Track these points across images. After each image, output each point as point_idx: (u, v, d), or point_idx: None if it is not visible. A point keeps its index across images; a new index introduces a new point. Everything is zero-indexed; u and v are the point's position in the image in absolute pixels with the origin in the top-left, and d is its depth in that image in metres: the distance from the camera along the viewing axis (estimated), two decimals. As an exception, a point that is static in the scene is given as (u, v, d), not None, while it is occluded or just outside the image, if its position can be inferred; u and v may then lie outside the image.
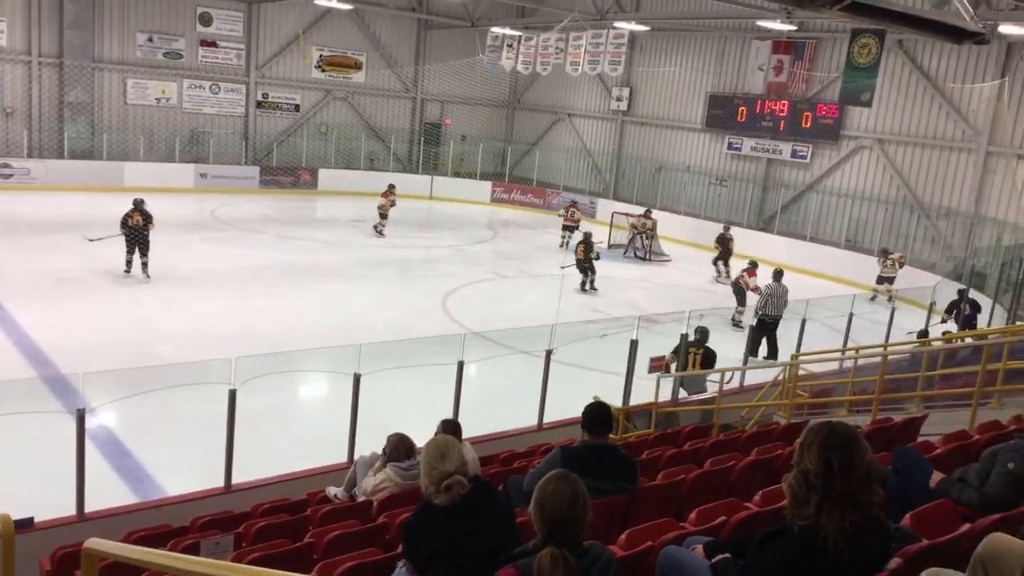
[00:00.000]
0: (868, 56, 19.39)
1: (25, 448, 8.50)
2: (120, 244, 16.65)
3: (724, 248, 21.82)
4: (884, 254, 20.47)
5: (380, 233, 23.56)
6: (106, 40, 27.60)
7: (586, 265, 18.79)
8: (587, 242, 18.92)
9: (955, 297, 16.55)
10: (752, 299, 15.93)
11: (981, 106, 21.31)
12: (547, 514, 3.06)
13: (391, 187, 24.20)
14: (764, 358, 13.95)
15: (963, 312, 16.10)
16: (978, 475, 4.28)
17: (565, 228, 24.44)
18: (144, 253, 16.59)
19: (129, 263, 16.67)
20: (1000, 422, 6.31)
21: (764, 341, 14.20)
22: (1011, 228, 19.22)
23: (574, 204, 25.54)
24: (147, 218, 16.56)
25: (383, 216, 23.72)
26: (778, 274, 14.76)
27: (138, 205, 16.63)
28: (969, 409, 7.82)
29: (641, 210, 25.34)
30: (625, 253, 23.91)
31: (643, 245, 23.98)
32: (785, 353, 13.06)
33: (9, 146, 26.28)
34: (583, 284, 18.86)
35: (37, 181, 25.44)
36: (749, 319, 14.72)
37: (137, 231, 16.50)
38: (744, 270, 17.06)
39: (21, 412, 8.30)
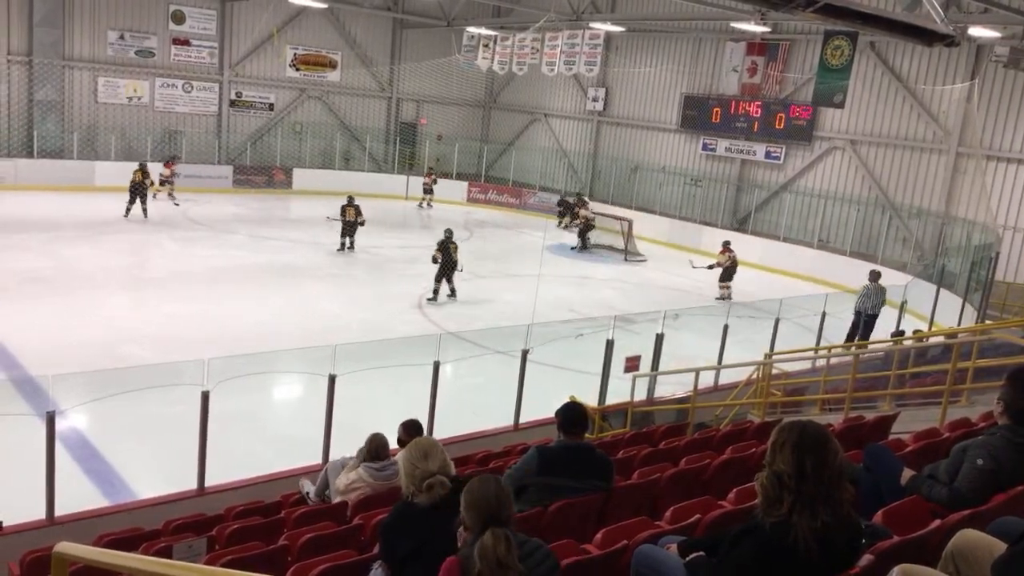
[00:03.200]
0: (841, 58, 19.59)
1: (-7, 451, 8.37)
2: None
3: None
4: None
5: (170, 196, 25.39)
6: (76, 38, 27.21)
7: (351, 227, 20.41)
8: (354, 205, 20.60)
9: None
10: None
11: (951, 107, 21.57)
12: (480, 511, 3.16)
13: (174, 158, 26.80)
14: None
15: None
16: (947, 471, 4.32)
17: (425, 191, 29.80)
18: (144, 201, 22.14)
19: (128, 211, 21.99)
20: (970, 419, 6.38)
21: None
22: (980, 228, 19.46)
23: (432, 170, 30.70)
24: (146, 175, 22.32)
25: (164, 182, 25.36)
26: (875, 275, 15.29)
27: (142, 166, 22.35)
28: (940, 407, 7.91)
29: (621, 211, 25.53)
30: (575, 247, 24.34)
31: (585, 240, 24.60)
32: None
33: (-23, 145, 25.88)
34: (345, 244, 20.62)
35: (6, 180, 24.97)
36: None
37: (136, 185, 21.92)
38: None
39: (-11, 415, 8.17)
